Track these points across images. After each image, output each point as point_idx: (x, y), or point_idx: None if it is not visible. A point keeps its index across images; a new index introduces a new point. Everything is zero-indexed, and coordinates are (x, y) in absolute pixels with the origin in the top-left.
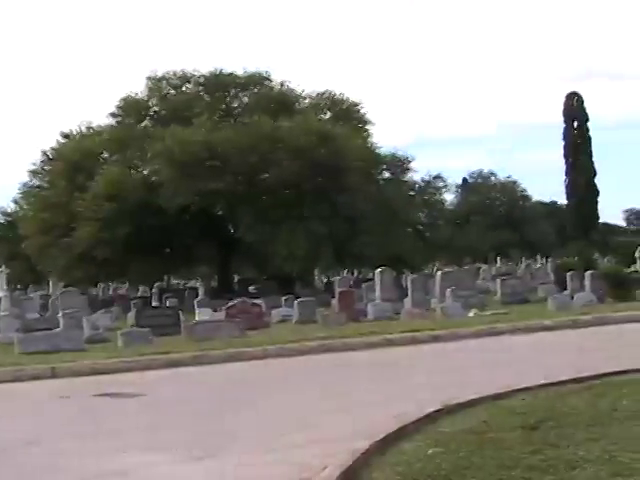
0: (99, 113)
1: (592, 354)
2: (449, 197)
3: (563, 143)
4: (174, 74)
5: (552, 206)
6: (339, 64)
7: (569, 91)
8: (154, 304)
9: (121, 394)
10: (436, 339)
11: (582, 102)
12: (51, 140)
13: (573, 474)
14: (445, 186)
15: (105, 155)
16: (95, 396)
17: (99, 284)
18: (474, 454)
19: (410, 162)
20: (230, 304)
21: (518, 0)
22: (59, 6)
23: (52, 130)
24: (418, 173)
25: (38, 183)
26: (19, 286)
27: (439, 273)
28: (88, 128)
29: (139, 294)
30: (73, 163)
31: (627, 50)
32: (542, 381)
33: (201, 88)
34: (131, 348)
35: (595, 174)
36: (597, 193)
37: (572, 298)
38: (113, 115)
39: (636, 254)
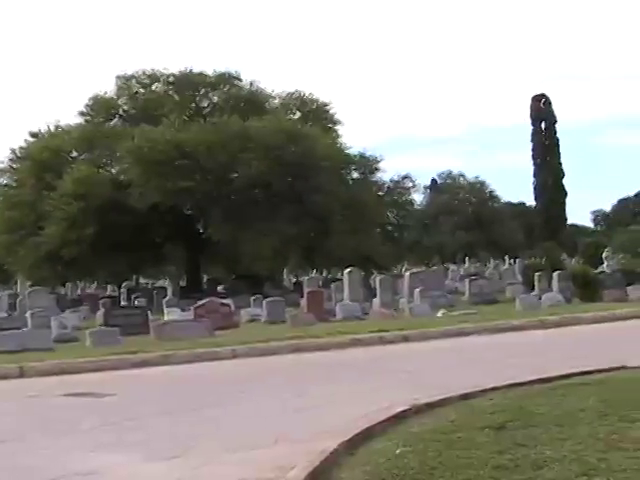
0: (68, 112)
1: (559, 354)
2: (418, 198)
3: (531, 145)
4: (143, 73)
5: (520, 207)
6: (309, 65)
7: (536, 93)
8: (123, 304)
9: (89, 394)
10: (404, 339)
11: (550, 104)
12: (19, 139)
13: (540, 473)
14: (414, 186)
15: (74, 154)
16: (63, 396)
17: (67, 283)
18: (442, 454)
19: (379, 162)
20: (199, 304)
21: (486, 3)
22: (27, 5)
23: (21, 129)
24: (387, 173)
25: (6, 182)
26: None
27: (407, 273)
28: (57, 127)
29: (108, 293)
30: (41, 162)
31: (595, 52)
32: (510, 381)
33: (170, 87)
34: (99, 348)
35: (563, 175)
36: (565, 194)
37: (540, 298)
38: (82, 114)
39: (603, 255)
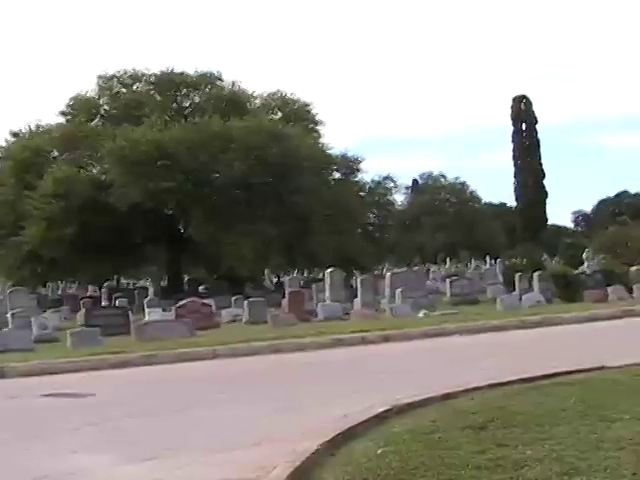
0: (49, 111)
1: (540, 354)
2: (399, 198)
3: (512, 145)
4: (125, 73)
5: (501, 207)
6: (290, 65)
7: (517, 94)
8: (103, 304)
9: (70, 394)
10: (386, 339)
11: (530, 105)
12: (0, 139)
13: (521, 473)
14: (395, 187)
15: (55, 154)
16: (44, 396)
17: (48, 283)
18: (423, 454)
19: (360, 163)
20: (180, 304)
21: (467, 4)
22: (8, 4)
23: (1, 128)
24: (368, 174)
25: None
26: None
27: (389, 274)
28: (38, 126)
29: (88, 294)
30: (22, 161)
31: (576, 53)
32: (491, 381)
33: (152, 87)
34: (80, 348)
35: (544, 176)
36: (546, 195)
37: (520, 299)
38: (63, 114)
39: (584, 255)
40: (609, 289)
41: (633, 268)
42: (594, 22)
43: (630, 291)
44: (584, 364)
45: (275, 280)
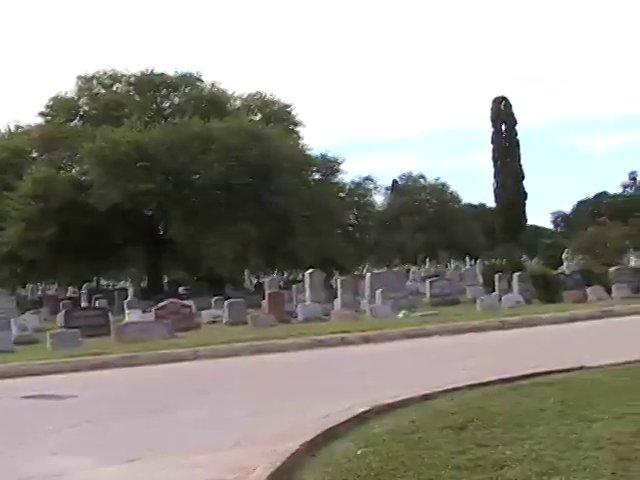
0: (28, 112)
1: (519, 355)
2: (379, 199)
3: (491, 146)
4: (104, 73)
5: (481, 208)
6: (270, 66)
7: (497, 95)
8: (83, 305)
9: (50, 396)
10: (366, 340)
11: (510, 106)
12: None
13: (501, 473)
14: (375, 188)
15: (34, 154)
16: (24, 398)
17: (28, 285)
18: (403, 454)
19: (340, 164)
20: (160, 305)
21: (446, 5)
22: None
23: None
24: (348, 175)
25: None
26: None
27: (369, 274)
28: (17, 127)
29: (68, 295)
30: (1, 162)
31: (555, 54)
32: (470, 381)
33: (131, 88)
34: (60, 349)
35: (523, 177)
36: (525, 196)
37: (500, 299)
38: (42, 114)
39: (563, 256)
40: (588, 289)
41: (612, 268)
42: (573, 24)
43: (609, 291)
44: (563, 364)
45: (255, 281)
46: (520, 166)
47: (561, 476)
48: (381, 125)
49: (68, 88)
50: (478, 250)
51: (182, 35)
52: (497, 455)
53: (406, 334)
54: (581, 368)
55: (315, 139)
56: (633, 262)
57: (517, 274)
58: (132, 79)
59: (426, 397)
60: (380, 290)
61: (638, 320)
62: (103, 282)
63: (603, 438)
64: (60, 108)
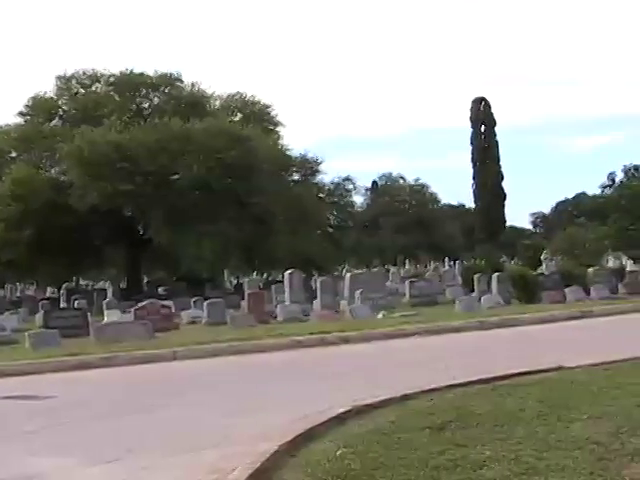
0: (7, 112)
1: (498, 355)
2: (358, 200)
3: (471, 147)
4: (84, 73)
5: (460, 209)
6: (250, 66)
7: (476, 96)
8: (62, 305)
9: (29, 396)
10: (345, 341)
11: (489, 107)
12: None
13: (480, 473)
14: (354, 188)
15: (13, 154)
16: (3, 398)
17: (6, 285)
18: (382, 454)
19: (320, 164)
20: (139, 305)
21: (427, 6)
22: None
23: None
24: (328, 175)
25: None
26: None
27: (348, 275)
28: None
29: (47, 295)
30: None
31: (534, 55)
32: (450, 382)
33: (111, 88)
34: (39, 350)
35: (502, 178)
36: (504, 196)
37: (479, 300)
38: (22, 114)
39: (542, 257)
40: (567, 290)
41: (590, 269)
42: (553, 25)
43: (587, 292)
44: (543, 365)
45: (235, 282)
46: (499, 167)
47: (540, 476)
48: (361, 126)
49: (47, 88)
50: (457, 251)
51: (162, 35)
52: (476, 455)
53: (385, 334)
54: (560, 368)
55: (295, 139)
56: (611, 263)
57: (496, 275)
58: (111, 79)
59: (405, 397)
60: (360, 291)
61: (616, 320)
62: (82, 282)
63: (582, 438)
64: (39, 108)
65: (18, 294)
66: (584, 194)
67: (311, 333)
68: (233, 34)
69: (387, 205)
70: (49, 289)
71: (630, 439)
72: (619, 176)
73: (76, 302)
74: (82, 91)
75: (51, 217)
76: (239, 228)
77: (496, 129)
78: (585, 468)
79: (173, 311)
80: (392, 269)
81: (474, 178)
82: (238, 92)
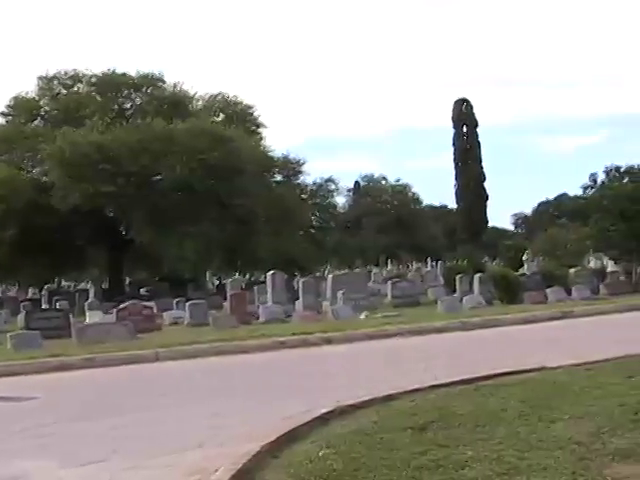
0: None
1: (480, 355)
2: (341, 200)
3: (453, 148)
4: (66, 73)
5: (442, 209)
6: (232, 66)
7: (459, 97)
8: (44, 306)
9: (11, 398)
10: (327, 341)
11: (471, 108)
12: None
13: (462, 473)
14: (337, 189)
15: None
16: None
17: None
18: (365, 455)
19: (302, 165)
20: (121, 306)
21: (408, 6)
22: None
23: None
24: (310, 176)
25: None
26: None
27: (330, 276)
28: None
29: (29, 296)
30: None
31: (517, 57)
32: (432, 382)
33: (93, 88)
34: (20, 351)
35: (484, 178)
36: (486, 197)
37: (461, 301)
38: (3, 114)
39: (523, 257)
40: (548, 291)
41: (572, 270)
42: (534, 25)
43: (569, 292)
44: (524, 365)
45: (217, 282)
46: (481, 168)
47: (522, 476)
48: (343, 126)
49: (29, 88)
50: (439, 251)
51: (144, 35)
52: (458, 455)
53: (367, 335)
54: (542, 369)
55: (277, 140)
56: (593, 264)
57: (478, 275)
58: (93, 79)
59: (388, 398)
60: (342, 291)
61: (598, 321)
62: (64, 283)
63: (563, 438)
64: (21, 108)
65: (0, 295)
66: (565, 195)
67: (293, 334)
68: (216, 34)
69: (369, 206)
70: (31, 290)
71: (611, 439)
72: (601, 177)
73: (58, 303)
74: (64, 91)
75: (33, 218)
76: (221, 229)
77: (478, 130)
78: (567, 468)
79: (155, 312)
80: (374, 270)
81: (456, 178)
82: (220, 93)
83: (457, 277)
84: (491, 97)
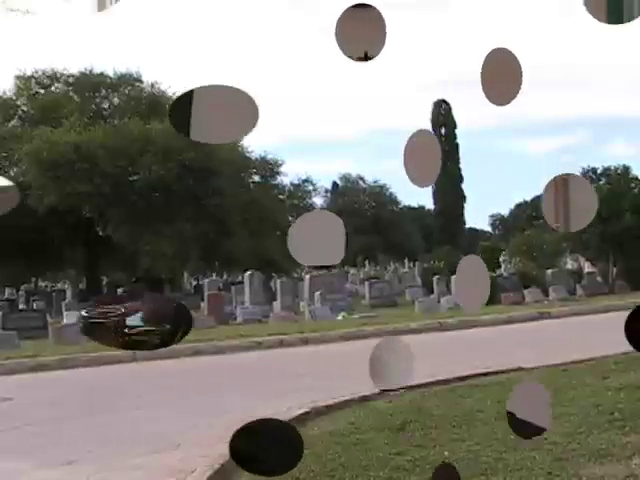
0: None
1: (457, 356)
2: (319, 201)
3: None
4: (43, 73)
5: (420, 211)
6: (209, 66)
7: (437, 98)
8: (21, 307)
9: None
10: (304, 342)
11: (450, 109)
12: None
13: None
14: (314, 190)
15: None
16: None
17: None
18: (342, 455)
19: (280, 166)
20: None
21: (383, 8)
22: None
23: None
24: (288, 177)
25: None
26: None
27: (308, 277)
28: None
29: (5, 296)
30: None
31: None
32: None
33: (70, 88)
34: None
35: (462, 180)
36: (464, 199)
37: (439, 301)
38: None
39: (500, 258)
40: (525, 292)
41: (549, 271)
42: (511, 27)
43: (546, 293)
44: (501, 365)
45: (194, 283)
46: (459, 169)
47: (499, 476)
48: (321, 127)
49: (6, 88)
50: (417, 252)
51: (121, 34)
52: (435, 456)
53: (344, 336)
54: (518, 369)
55: (254, 141)
56: (569, 265)
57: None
58: (71, 79)
59: (365, 398)
60: (319, 292)
61: (574, 321)
62: (41, 283)
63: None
64: None
65: None
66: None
67: (270, 334)
68: (192, 34)
69: (346, 206)
70: (8, 290)
71: (587, 439)
72: None
73: (35, 303)
74: (41, 91)
75: (9, 218)
76: (198, 229)
77: (456, 132)
78: (543, 468)
79: None
80: (352, 270)
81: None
82: None
83: (434, 278)
84: (468, 98)
